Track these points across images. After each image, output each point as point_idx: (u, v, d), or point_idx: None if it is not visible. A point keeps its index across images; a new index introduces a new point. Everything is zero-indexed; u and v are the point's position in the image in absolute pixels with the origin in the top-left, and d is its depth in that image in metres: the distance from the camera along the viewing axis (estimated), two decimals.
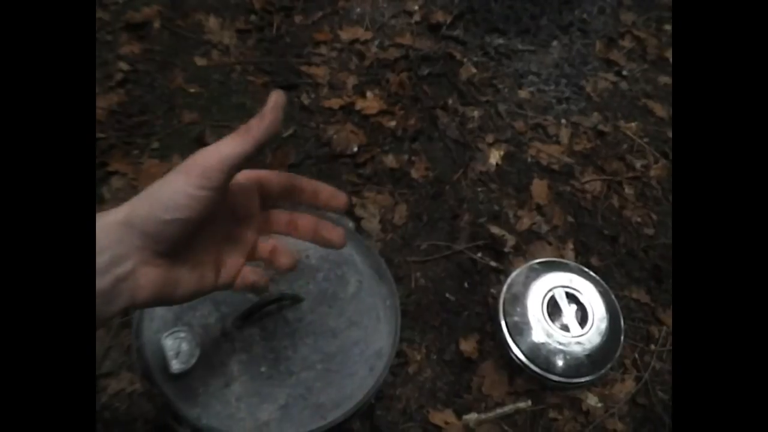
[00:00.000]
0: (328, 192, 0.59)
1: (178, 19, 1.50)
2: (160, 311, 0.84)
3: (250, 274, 0.60)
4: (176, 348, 0.80)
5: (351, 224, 1.06)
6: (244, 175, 0.56)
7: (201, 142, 1.22)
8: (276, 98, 0.49)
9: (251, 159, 0.49)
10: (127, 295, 0.47)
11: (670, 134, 1.49)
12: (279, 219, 0.61)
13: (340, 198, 0.60)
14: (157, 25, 1.48)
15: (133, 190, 1.15)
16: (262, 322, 0.84)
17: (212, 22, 1.50)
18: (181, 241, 0.49)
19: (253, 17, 1.53)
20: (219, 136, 0.49)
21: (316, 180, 0.59)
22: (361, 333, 0.86)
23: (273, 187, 0.58)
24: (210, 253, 0.55)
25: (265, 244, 0.61)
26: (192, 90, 1.36)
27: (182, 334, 0.81)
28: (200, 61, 1.42)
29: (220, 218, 0.54)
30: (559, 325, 1.07)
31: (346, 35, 1.54)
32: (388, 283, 0.91)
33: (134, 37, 1.45)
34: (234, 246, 0.58)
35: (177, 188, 0.47)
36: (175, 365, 0.79)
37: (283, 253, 0.61)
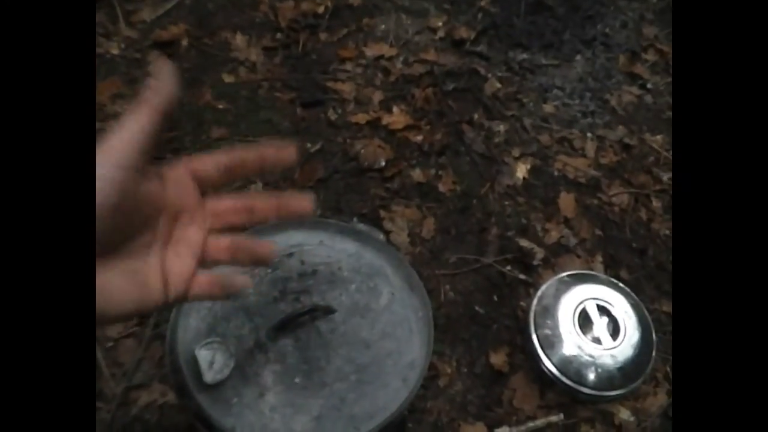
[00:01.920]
0: (273, 149, 0.51)
1: (205, 37, 1.52)
2: (194, 323, 0.85)
3: (208, 278, 0.52)
4: (210, 359, 0.81)
5: (381, 236, 1.07)
6: (172, 168, 0.50)
7: None
8: (158, 64, 0.44)
9: (158, 130, 0.43)
10: None
11: None
12: (229, 207, 0.54)
13: (288, 149, 0.51)
14: (184, 43, 1.50)
15: None
16: (296, 333, 0.84)
17: (239, 39, 1.52)
18: (99, 240, 0.42)
19: (279, 35, 1.55)
20: None
21: (263, 147, 0.52)
22: (394, 344, 0.86)
23: (210, 170, 0.51)
24: (150, 262, 0.49)
25: (219, 242, 0.53)
26: (220, 106, 1.38)
27: (216, 345, 0.81)
28: (228, 78, 1.44)
29: (154, 220, 0.49)
30: (590, 338, 1.06)
31: (371, 52, 1.55)
32: (420, 294, 0.91)
33: (162, 55, 1.47)
34: (178, 250, 0.51)
35: None
36: (209, 376, 0.79)
37: (253, 245, 0.54)
